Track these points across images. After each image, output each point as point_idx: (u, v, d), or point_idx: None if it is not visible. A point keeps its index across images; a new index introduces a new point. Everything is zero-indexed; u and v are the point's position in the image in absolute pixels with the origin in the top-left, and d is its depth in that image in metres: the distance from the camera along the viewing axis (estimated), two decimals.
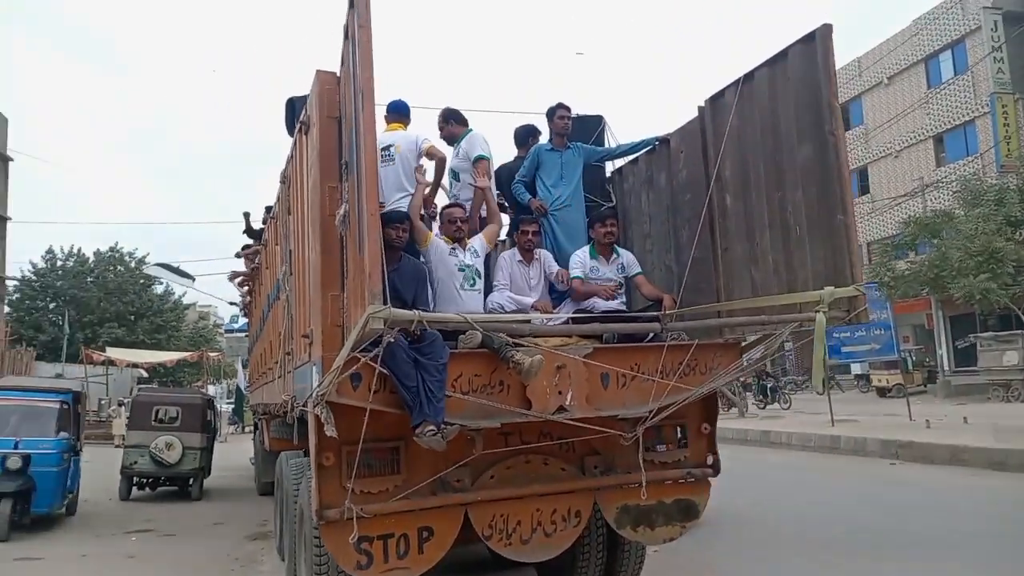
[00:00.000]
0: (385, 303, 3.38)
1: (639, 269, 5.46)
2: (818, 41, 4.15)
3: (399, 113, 5.38)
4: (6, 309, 38.33)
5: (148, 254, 43.61)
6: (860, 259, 4.12)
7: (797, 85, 4.34)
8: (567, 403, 4.47)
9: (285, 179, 5.97)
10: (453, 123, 5.81)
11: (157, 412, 12.71)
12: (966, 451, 10.26)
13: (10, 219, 36.36)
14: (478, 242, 5.09)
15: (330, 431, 4.00)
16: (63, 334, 33.91)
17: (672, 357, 4.72)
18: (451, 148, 5.76)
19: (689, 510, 5.17)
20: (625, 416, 4.63)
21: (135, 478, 12.58)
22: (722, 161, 4.98)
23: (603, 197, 6.40)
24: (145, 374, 34.11)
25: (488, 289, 5.18)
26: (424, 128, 5.71)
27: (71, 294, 39.34)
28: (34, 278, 39.99)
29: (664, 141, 5.84)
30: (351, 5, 3.39)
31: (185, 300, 46.04)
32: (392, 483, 4.50)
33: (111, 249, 43.08)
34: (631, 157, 6.28)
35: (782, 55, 4.47)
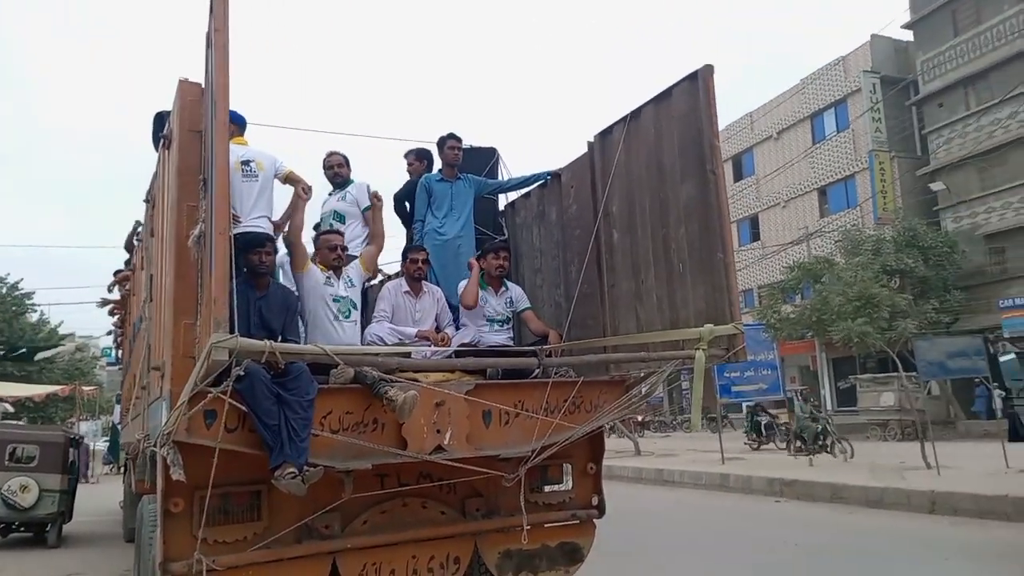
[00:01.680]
0: (234, 331, 3.09)
1: (527, 304, 5.34)
2: (700, 80, 4.19)
3: (241, 125, 5.08)
4: None
5: (22, 279, 40.68)
6: (738, 298, 4.12)
7: (681, 123, 4.36)
8: (446, 442, 4.24)
9: (150, 199, 5.56)
10: (347, 166, 5.75)
11: (12, 451, 11.58)
12: (845, 489, 10.59)
13: None
14: (354, 270, 4.84)
15: (176, 474, 3.63)
16: None
17: (557, 394, 4.58)
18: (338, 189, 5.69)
19: (574, 553, 5.00)
20: (507, 456, 4.44)
21: None
22: (610, 197, 4.95)
23: (495, 230, 6.29)
24: (11, 409, 31.46)
25: (368, 321, 4.93)
26: (263, 142, 5.57)
27: None
28: None
29: (556, 175, 5.80)
30: (210, 9, 3.14)
31: (62, 330, 43.05)
32: (252, 531, 4.13)
33: None
34: (524, 191, 6.21)
35: (667, 93, 4.50)
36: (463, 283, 5.15)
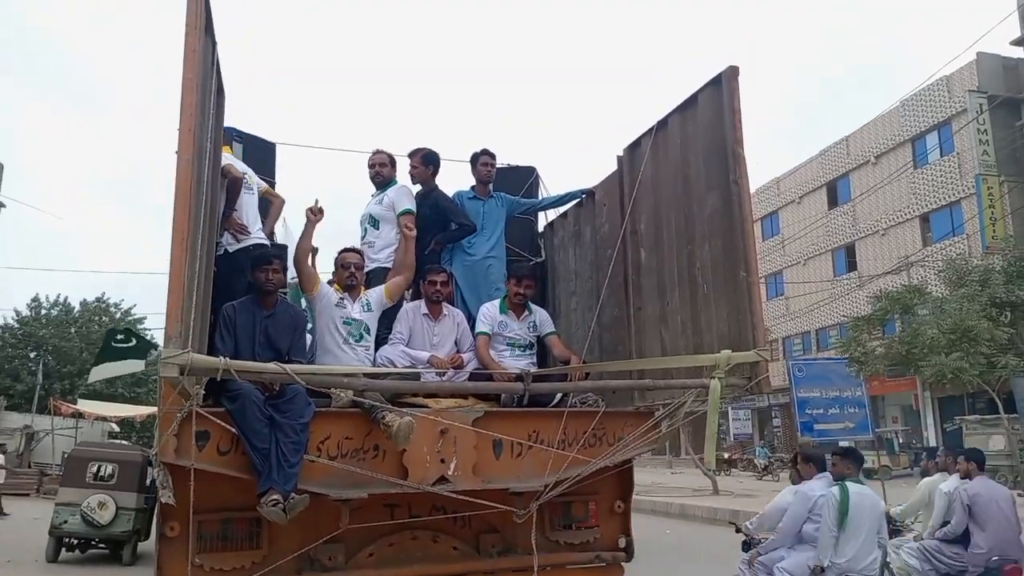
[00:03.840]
0: (214, 350, 2.98)
1: (552, 328, 5.06)
2: (724, 83, 3.86)
3: (230, 138, 5.10)
4: None
5: (135, 305, 43.26)
6: (763, 321, 3.72)
7: (705, 131, 4.05)
8: (450, 473, 4.00)
9: None
10: (391, 167, 5.49)
11: (93, 469, 12.05)
12: None
13: None
14: (374, 295, 4.69)
15: (166, 497, 3.53)
16: (37, 384, 33.21)
17: (576, 425, 4.27)
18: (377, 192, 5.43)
19: None
20: (517, 490, 4.14)
21: (65, 539, 11.81)
22: (637, 213, 4.66)
23: (532, 252, 6.08)
24: (117, 428, 33.24)
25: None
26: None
27: (52, 344, 38.72)
28: (16, 326, 39.45)
29: (591, 193, 5.53)
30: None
31: None
32: (251, 559, 3.99)
33: (97, 299, 42.71)
34: (561, 210, 5.96)
35: (692, 100, 4.19)
36: (485, 307, 4.92)
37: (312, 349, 4.52)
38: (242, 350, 3.96)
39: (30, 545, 11.60)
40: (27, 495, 21.95)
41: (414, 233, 4.94)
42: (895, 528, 6.45)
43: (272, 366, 3.24)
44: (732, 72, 3.86)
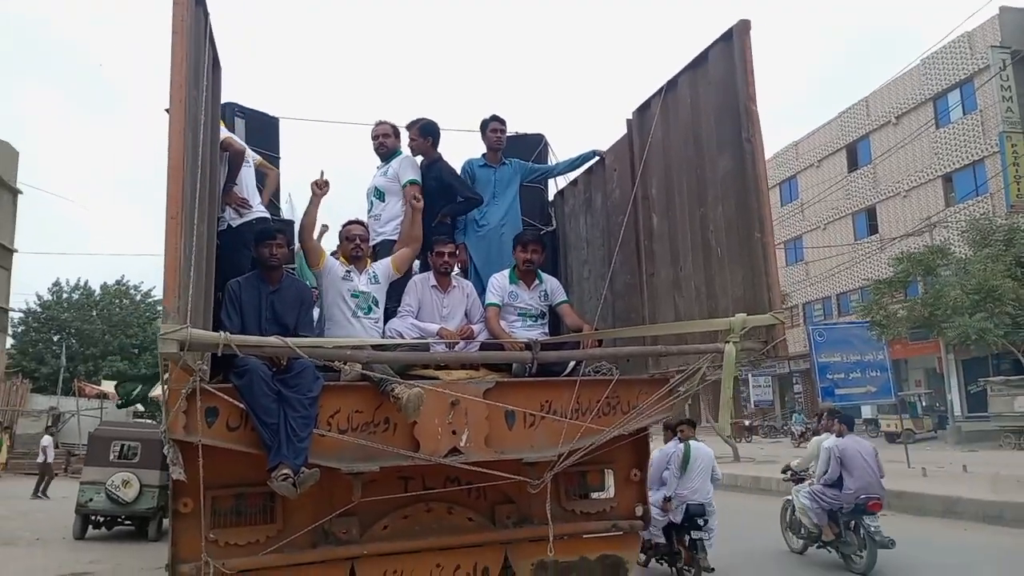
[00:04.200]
0: (219, 326, 2.93)
1: (564, 297, 4.96)
2: (735, 38, 3.71)
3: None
4: (9, 341, 38.27)
5: (154, 287, 43.63)
6: (778, 283, 3.60)
7: (717, 89, 3.90)
8: (462, 444, 3.95)
9: None
10: (395, 137, 5.36)
11: (116, 448, 12.21)
12: (960, 502, 9.54)
13: (16, 251, 36.47)
14: (380, 267, 4.62)
15: (176, 473, 3.52)
16: (61, 366, 33.72)
17: (590, 394, 4.21)
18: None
19: (616, 567, 4.60)
20: (531, 460, 4.10)
21: (91, 516, 12.01)
22: (648, 178, 4.53)
23: (543, 221, 5.97)
24: (141, 408, 33.70)
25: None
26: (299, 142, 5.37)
27: (75, 327, 39.22)
28: (39, 310, 39.97)
29: (602, 159, 5.39)
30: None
31: None
32: (265, 533, 3.99)
33: (117, 282, 43.13)
34: (572, 176, 5.83)
35: (702, 57, 4.04)
36: (495, 277, 4.83)
37: (321, 323, 4.47)
38: (248, 326, 3.92)
39: (58, 524, 11.83)
40: (55, 475, 22.43)
41: (420, 204, 4.82)
42: (799, 477, 8.06)
43: (274, 340, 3.19)
44: (743, 26, 3.70)
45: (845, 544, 7.07)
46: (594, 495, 4.87)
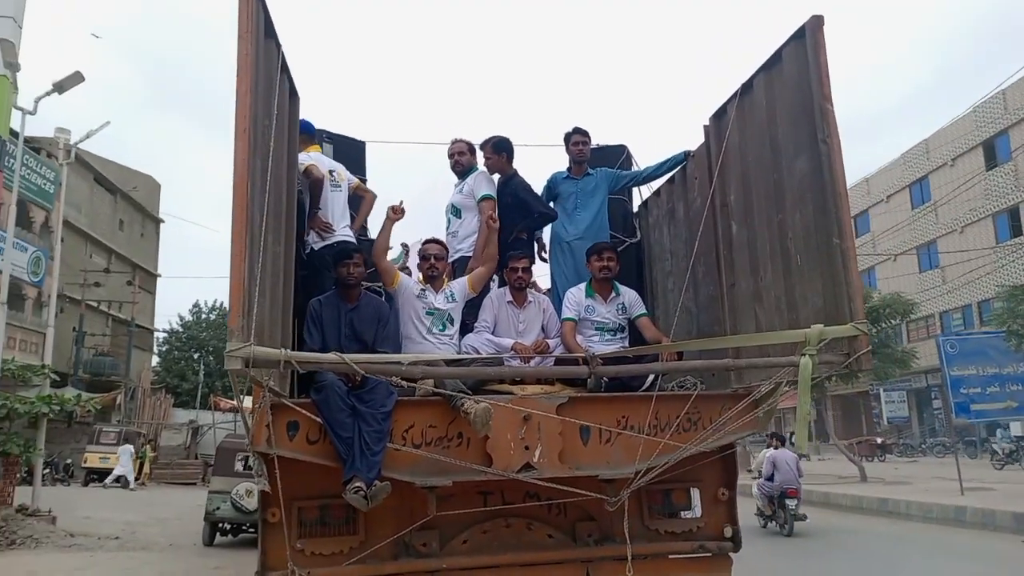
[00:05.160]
0: (302, 343, 3.05)
1: (643, 310, 4.85)
2: (808, 35, 3.53)
3: (310, 134, 5.06)
4: (155, 359, 41.57)
5: None
6: (860, 292, 3.36)
7: (792, 89, 3.72)
8: (535, 460, 3.92)
9: None
10: (470, 154, 5.43)
11: (240, 459, 12.91)
12: None
13: (160, 275, 39.67)
14: (457, 286, 4.69)
15: (261, 484, 3.69)
16: (199, 382, 36.17)
17: (669, 409, 4.08)
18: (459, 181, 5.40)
19: None
20: (607, 477, 4.01)
21: (219, 524, 12.75)
22: (726, 185, 4.37)
23: (628, 232, 5.86)
24: None
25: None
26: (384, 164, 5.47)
27: (213, 344, 42.03)
28: (181, 330, 43.13)
29: (684, 166, 5.25)
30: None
31: None
32: (348, 544, 4.10)
33: None
34: (656, 186, 5.71)
35: (776, 57, 3.87)
36: (570, 292, 4.79)
37: (398, 340, 4.58)
38: (329, 342, 4.07)
39: (190, 531, 12.61)
40: (193, 484, 24.03)
41: (496, 225, 4.85)
42: (757, 476, 11.89)
43: (331, 356, 3.29)
44: (816, 23, 3.51)
45: (778, 517, 10.83)
46: (684, 514, 4.72)
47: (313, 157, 4.83)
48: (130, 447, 23.37)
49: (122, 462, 22.63)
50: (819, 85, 3.46)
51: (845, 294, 3.31)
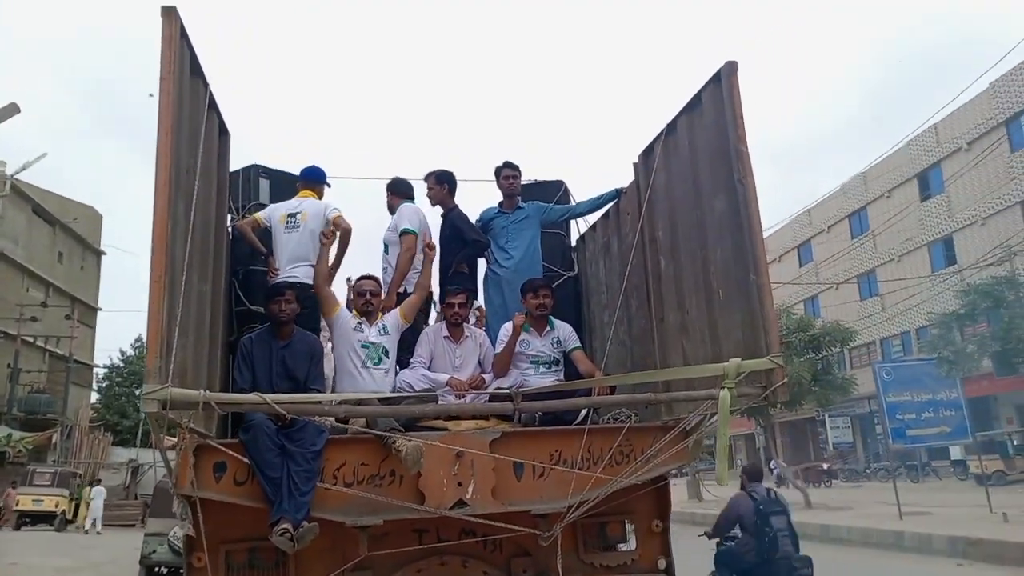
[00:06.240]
0: (232, 383, 3.01)
1: (577, 343, 4.92)
2: (723, 80, 3.68)
3: (311, 180, 5.18)
4: (94, 396, 40.16)
5: None
6: (776, 326, 3.49)
7: (711, 131, 3.86)
8: (468, 496, 3.92)
9: None
10: (391, 194, 5.51)
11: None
12: None
13: (100, 309, 38.56)
14: (390, 318, 4.70)
15: (184, 528, 3.61)
16: (141, 419, 35.03)
17: (602, 442, 4.13)
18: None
19: None
20: (541, 512, 4.03)
21: (155, 568, 12.30)
22: (655, 221, 4.49)
23: (565, 266, 5.94)
24: None
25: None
26: (340, 197, 5.48)
27: None
28: (121, 365, 41.80)
29: (617, 203, 5.37)
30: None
31: None
32: None
33: None
34: (593, 220, 5.82)
35: (697, 99, 4.01)
36: (505, 326, 4.83)
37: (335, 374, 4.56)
38: (260, 381, 4.02)
39: (126, 575, 12.13)
40: (132, 526, 23.16)
41: (435, 251, 4.98)
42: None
43: (252, 396, 3.26)
44: (731, 68, 3.67)
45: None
46: (620, 547, 4.75)
47: (289, 204, 4.98)
48: (102, 489, 23.01)
49: (94, 505, 22.02)
50: (734, 128, 3.61)
51: (762, 328, 3.43)
